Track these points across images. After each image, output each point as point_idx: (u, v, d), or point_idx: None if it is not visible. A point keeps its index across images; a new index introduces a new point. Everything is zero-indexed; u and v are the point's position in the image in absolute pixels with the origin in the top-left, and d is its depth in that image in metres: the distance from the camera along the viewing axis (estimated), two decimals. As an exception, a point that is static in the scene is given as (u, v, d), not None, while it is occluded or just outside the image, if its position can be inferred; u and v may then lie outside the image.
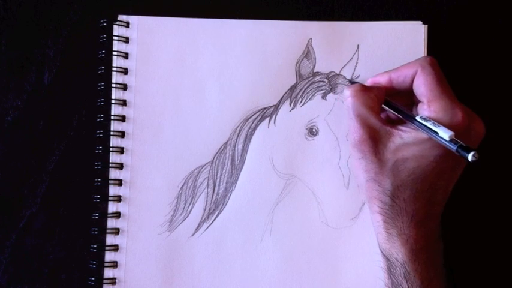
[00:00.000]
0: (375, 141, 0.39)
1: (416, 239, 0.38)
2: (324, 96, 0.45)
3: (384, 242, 0.39)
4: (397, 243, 0.38)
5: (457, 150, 0.34)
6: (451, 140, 0.35)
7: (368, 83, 0.42)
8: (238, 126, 0.45)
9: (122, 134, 0.44)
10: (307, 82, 0.45)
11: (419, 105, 0.39)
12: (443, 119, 0.37)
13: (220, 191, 0.44)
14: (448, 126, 0.36)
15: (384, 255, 0.39)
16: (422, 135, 0.37)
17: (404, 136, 0.38)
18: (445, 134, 0.35)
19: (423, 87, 0.38)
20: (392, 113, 0.41)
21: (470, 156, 0.34)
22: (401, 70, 0.40)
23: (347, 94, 0.40)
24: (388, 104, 0.41)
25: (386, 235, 0.39)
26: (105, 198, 0.44)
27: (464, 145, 0.34)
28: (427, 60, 0.39)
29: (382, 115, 0.42)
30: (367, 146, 0.39)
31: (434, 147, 0.37)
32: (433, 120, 0.37)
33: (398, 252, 0.38)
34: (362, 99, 0.39)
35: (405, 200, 0.38)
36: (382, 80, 0.41)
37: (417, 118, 0.37)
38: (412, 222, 0.38)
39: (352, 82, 0.44)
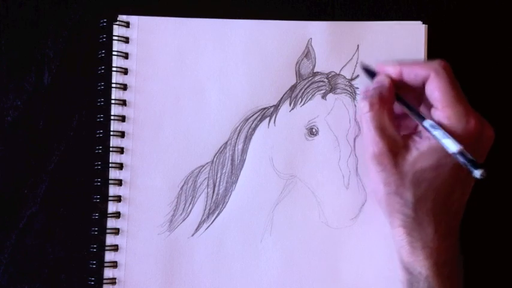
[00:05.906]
0: (394, 153, 0.38)
1: (439, 253, 0.37)
2: (324, 96, 0.45)
3: (407, 256, 0.38)
4: (421, 256, 0.37)
5: (464, 163, 0.35)
6: (460, 153, 0.35)
7: (376, 69, 0.42)
8: (238, 126, 0.45)
9: (122, 134, 0.44)
10: (307, 82, 0.45)
11: (433, 110, 0.38)
12: (457, 126, 0.37)
13: (220, 191, 0.44)
14: (461, 133, 0.36)
15: (406, 269, 0.38)
16: (436, 144, 0.37)
17: (419, 147, 0.38)
18: (453, 146, 0.35)
19: (437, 92, 0.37)
20: (404, 109, 0.40)
21: (477, 173, 0.34)
22: (413, 68, 0.39)
23: (365, 108, 0.39)
24: (400, 100, 0.40)
25: (409, 249, 0.38)
26: (105, 198, 0.44)
27: (473, 160, 0.34)
28: (442, 64, 0.38)
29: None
30: (387, 158, 0.38)
31: (448, 155, 0.36)
32: (446, 126, 0.37)
33: (422, 266, 0.37)
34: (381, 111, 0.39)
35: (427, 212, 0.37)
36: (392, 70, 0.40)
37: (426, 124, 0.37)
38: (437, 234, 0.37)
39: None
